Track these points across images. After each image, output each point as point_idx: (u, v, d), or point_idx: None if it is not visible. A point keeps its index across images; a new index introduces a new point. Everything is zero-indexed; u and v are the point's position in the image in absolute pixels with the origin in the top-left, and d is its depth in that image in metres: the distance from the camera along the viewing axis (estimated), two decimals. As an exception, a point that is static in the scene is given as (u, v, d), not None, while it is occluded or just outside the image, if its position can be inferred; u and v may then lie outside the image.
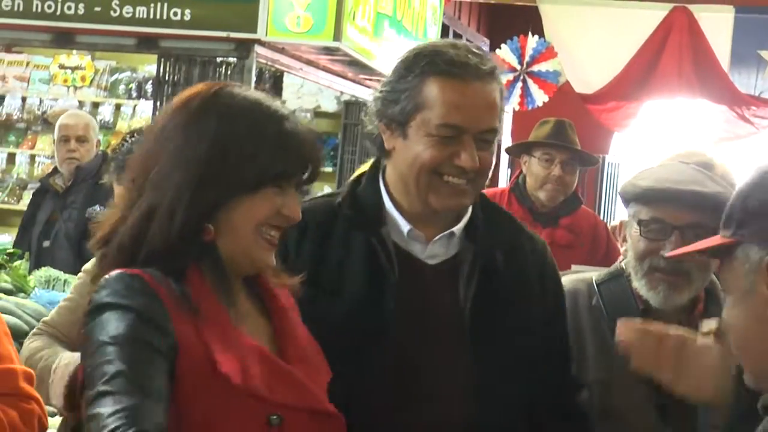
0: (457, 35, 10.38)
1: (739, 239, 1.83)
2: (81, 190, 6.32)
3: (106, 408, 1.88)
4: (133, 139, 4.37)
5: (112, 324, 1.97)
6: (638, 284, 2.81)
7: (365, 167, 3.77)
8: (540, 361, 2.59)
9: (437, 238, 2.60)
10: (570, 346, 2.75)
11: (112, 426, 1.86)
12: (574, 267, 3.68)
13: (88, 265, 3.20)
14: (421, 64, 2.52)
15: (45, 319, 3.27)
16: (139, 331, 1.97)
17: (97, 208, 5.81)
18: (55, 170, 6.65)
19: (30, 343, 3.11)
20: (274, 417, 2.03)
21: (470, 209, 2.65)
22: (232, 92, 2.16)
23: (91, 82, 9.89)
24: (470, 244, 2.61)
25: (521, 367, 2.55)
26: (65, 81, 9.97)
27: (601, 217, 8.29)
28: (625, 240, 2.90)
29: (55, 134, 6.60)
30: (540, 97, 9.80)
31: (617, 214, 10.87)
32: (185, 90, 2.21)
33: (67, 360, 2.83)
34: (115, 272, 2.03)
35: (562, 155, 5.35)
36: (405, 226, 2.60)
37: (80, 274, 3.42)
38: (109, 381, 1.92)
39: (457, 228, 2.62)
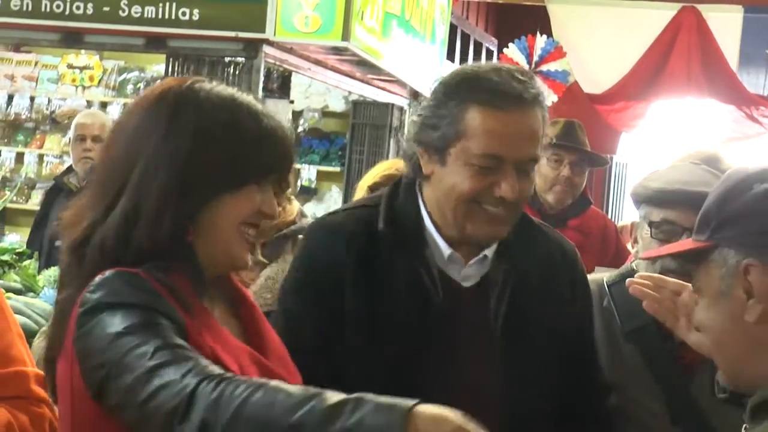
0: (465, 35, 10.41)
1: (716, 243, 1.85)
2: None
3: (172, 375, 1.82)
4: None
5: (117, 319, 1.91)
6: None
7: (388, 167, 3.67)
8: (571, 370, 2.58)
9: (472, 262, 2.57)
10: (598, 349, 2.75)
11: (194, 382, 1.81)
12: (597, 269, 3.69)
13: None
14: (463, 90, 2.48)
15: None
16: (152, 318, 1.92)
17: None
18: (70, 169, 6.63)
19: (40, 343, 3.09)
20: None
21: None
22: (204, 87, 2.11)
23: (100, 81, 9.90)
24: (501, 263, 2.58)
25: (551, 380, 2.54)
26: (73, 81, 9.98)
27: (610, 218, 8.28)
28: (636, 241, 2.90)
29: (71, 133, 6.59)
30: (549, 96, 9.67)
31: (625, 214, 10.86)
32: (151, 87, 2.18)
33: None
34: (109, 271, 1.98)
35: (571, 156, 5.33)
36: (446, 250, 2.56)
37: None
38: (154, 355, 1.85)
39: (490, 251, 2.58)
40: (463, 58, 10.48)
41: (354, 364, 2.43)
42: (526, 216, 2.70)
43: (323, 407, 1.76)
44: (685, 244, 1.95)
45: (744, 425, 1.88)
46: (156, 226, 2.01)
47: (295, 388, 1.82)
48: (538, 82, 2.52)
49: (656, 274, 2.44)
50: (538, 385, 2.52)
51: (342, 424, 1.73)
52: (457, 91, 2.48)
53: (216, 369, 1.85)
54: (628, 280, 2.43)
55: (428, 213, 2.57)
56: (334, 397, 1.78)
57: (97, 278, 1.98)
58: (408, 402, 1.78)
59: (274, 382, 1.83)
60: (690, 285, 2.36)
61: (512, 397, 2.49)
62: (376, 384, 2.19)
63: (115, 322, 1.91)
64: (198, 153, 2.04)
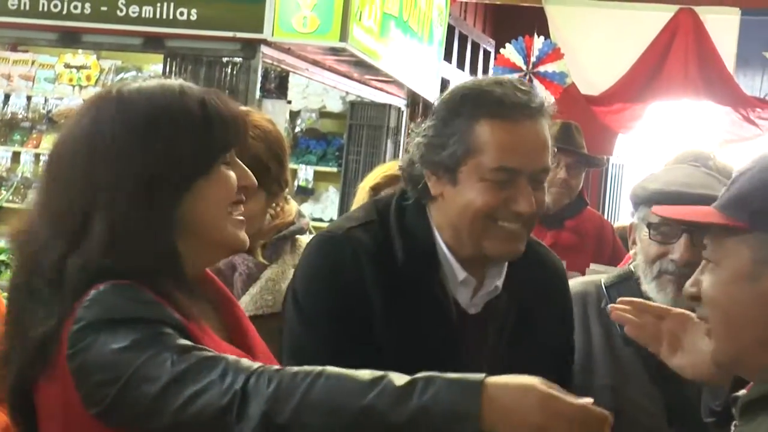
0: (462, 36, 10.43)
1: (754, 226, 1.84)
2: None
3: (208, 376, 1.77)
4: None
5: (120, 335, 1.84)
6: (648, 287, 2.81)
7: (390, 168, 3.69)
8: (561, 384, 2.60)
9: (483, 293, 2.52)
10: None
11: (241, 379, 1.77)
12: (593, 266, 3.69)
13: None
14: (468, 106, 2.44)
15: None
16: (157, 329, 1.86)
17: None
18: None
19: None
20: None
21: None
22: (132, 89, 2.03)
23: (97, 81, 9.87)
24: (503, 293, 2.55)
25: None
26: (70, 80, 9.96)
27: (606, 218, 8.30)
28: (634, 243, 2.90)
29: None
30: (546, 98, 9.65)
31: (621, 215, 10.89)
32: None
33: None
34: (103, 285, 1.90)
35: (567, 158, 5.34)
36: (461, 273, 2.51)
37: None
38: (177, 362, 1.79)
39: (500, 281, 2.55)
40: (461, 59, 10.51)
41: None
42: (532, 242, 2.66)
43: (393, 387, 1.74)
44: (711, 215, 1.92)
45: (734, 422, 1.89)
46: (141, 239, 1.94)
47: (359, 372, 1.78)
48: (538, 89, 2.57)
49: (637, 299, 2.45)
50: None
51: (417, 402, 1.72)
52: (462, 107, 2.44)
53: (253, 363, 1.82)
54: (609, 306, 2.44)
55: (439, 234, 2.51)
56: (401, 378, 1.75)
57: (92, 293, 1.90)
58: (478, 375, 1.76)
59: (331, 369, 1.79)
60: (674, 310, 2.39)
61: None
62: None
63: (118, 339, 1.84)
64: (148, 151, 1.97)
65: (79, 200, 1.97)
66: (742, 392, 1.90)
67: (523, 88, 2.47)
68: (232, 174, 2.05)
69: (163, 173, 1.97)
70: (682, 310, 2.36)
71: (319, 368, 1.78)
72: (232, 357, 1.83)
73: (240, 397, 1.75)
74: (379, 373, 1.77)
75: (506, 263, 2.56)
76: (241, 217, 2.08)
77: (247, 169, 2.10)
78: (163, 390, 1.79)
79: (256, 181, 2.12)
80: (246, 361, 1.83)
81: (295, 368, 1.80)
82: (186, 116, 2.00)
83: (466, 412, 1.73)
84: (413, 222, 2.54)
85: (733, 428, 1.89)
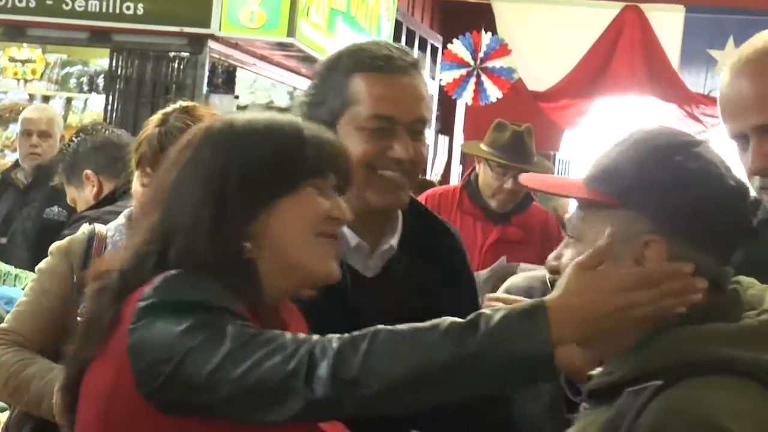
0: (410, 32, 10.46)
1: (623, 203, 1.80)
2: (42, 189, 6.08)
3: (269, 346, 1.77)
4: (79, 138, 4.26)
5: (182, 317, 1.84)
6: None
7: None
8: None
9: (378, 252, 2.56)
10: None
11: (306, 345, 1.77)
12: (522, 265, 3.73)
13: (43, 265, 3.14)
14: (345, 62, 2.51)
15: (3, 326, 3.11)
16: (219, 314, 1.85)
17: (55, 209, 5.70)
18: (17, 164, 6.53)
19: (2, 357, 3.01)
20: None
21: (400, 216, 2.61)
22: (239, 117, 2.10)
23: (42, 75, 9.81)
24: (404, 254, 2.58)
25: None
26: (15, 74, 9.88)
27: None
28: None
29: (17, 127, 6.50)
30: (494, 92, 9.82)
31: (569, 210, 10.96)
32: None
33: None
34: (174, 271, 1.91)
35: (515, 172, 5.38)
36: (353, 239, 2.54)
37: (35, 275, 3.27)
38: (237, 338, 1.79)
39: (395, 240, 2.58)
40: None
41: None
42: (430, 213, 2.73)
43: (454, 323, 1.75)
44: (576, 188, 1.89)
45: (583, 405, 1.89)
46: (212, 242, 1.93)
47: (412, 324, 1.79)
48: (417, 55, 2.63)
49: (504, 295, 2.51)
50: None
51: (484, 329, 1.72)
52: (339, 64, 2.51)
53: (311, 336, 1.81)
54: (485, 297, 2.48)
55: None
56: (454, 321, 1.76)
57: (161, 276, 1.91)
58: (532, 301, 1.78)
59: (383, 327, 1.79)
60: None
61: None
62: None
63: (180, 321, 1.83)
64: (234, 160, 1.98)
65: (167, 210, 1.99)
66: (597, 371, 1.87)
67: (398, 47, 2.54)
68: (322, 200, 2.00)
69: (239, 185, 1.97)
70: None
71: (372, 328, 1.79)
72: (290, 333, 1.82)
73: (307, 360, 1.75)
74: (431, 322, 1.79)
75: (399, 225, 2.59)
76: (333, 249, 2.03)
77: (343, 204, 2.06)
78: (222, 362, 1.78)
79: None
80: (304, 335, 1.82)
81: (347, 335, 1.80)
82: (279, 131, 2.01)
83: (532, 328, 1.73)
84: None
85: (581, 410, 1.89)
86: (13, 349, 3.00)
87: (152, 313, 1.86)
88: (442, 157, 11.99)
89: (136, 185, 3.10)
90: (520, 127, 5.60)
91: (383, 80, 2.47)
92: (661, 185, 1.78)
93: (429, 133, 11.69)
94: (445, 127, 11.82)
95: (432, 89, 11.02)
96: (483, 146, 5.65)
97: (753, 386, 1.68)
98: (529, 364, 1.72)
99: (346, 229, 2.47)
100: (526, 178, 2.05)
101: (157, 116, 3.07)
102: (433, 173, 11.42)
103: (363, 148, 2.45)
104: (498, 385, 1.79)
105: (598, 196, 1.83)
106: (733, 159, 1.99)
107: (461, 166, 11.65)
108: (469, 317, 1.77)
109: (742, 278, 1.83)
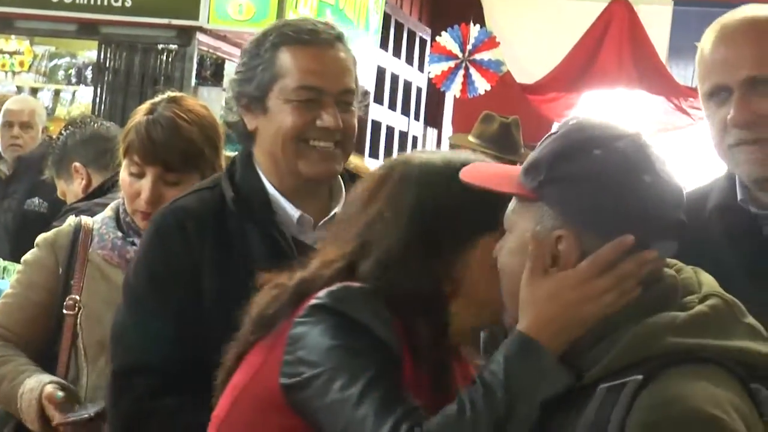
0: (398, 24, 10.48)
1: (539, 197, 1.82)
2: (23, 180, 6.15)
3: (375, 409, 1.81)
4: (68, 131, 4.22)
5: (342, 331, 1.89)
6: None
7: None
8: None
9: (321, 223, 2.59)
10: None
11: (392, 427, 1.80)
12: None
13: (29, 256, 3.13)
14: (271, 37, 2.57)
15: None
16: (374, 344, 1.89)
17: (36, 200, 5.73)
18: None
19: None
20: None
21: (343, 187, 2.65)
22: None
23: (30, 67, 9.79)
24: None
25: None
26: (3, 66, 9.85)
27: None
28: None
29: (-1, 119, 6.50)
30: (482, 85, 9.79)
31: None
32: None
33: (32, 386, 2.83)
34: (358, 284, 1.96)
35: (503, 162, 5.37)
36: (294, 212, 2.58)
37: (20, 267, 3.23)
38: (367, 385, 1.82)
39: (338, 209, 2.58)
40: (397, 48, 10.52)
41: (217, 346, 2.32)
42: (360, 176, 2.66)
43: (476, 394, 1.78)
44: (510, 184, 1.88)
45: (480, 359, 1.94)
46: (410, 273, 1.97)
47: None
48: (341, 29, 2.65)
49: None
50: None
51: (502, 392, 1.75)
52: (266, 39, 2.57)
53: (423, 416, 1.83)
54: None
55: (268, 180, 2.60)
56: (466, 398, 1.79)
57: (344, 284, 1.95)
58: (512, 337, 1.80)
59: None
60: None
61: None
62: (234, 330, 2.20)
63: (338, 334, 1.89)
64: (441, 198, 2.01)
65: (364, 243, 2.02)
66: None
67: (324, 22, 2.64)
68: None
69: (454, 222, 2.00)
70: None
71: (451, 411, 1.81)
72: (413, 402, 1.84)
73: None
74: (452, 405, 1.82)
75: (343, 194, 2.60)
76: None
77: None
78: (339, 402, 1.83)
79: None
80: (421, 415, 1.83)
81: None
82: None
83: (540, 366, 1.77)
84: (242, 173, 2.61)
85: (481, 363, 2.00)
86: None
87: (319, 314, 1.92)
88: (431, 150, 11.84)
89: (123, 175, 3.06)
90: (507, 119, 5.64)
91: (309, 53, 2.54)
92: (569, 179, 1.78)
93: (417, 126, 11.30)
94: (434, 120, 11.72)
95: (420, 82, 11.09)
96: (471, 138, 5.68)
97: (720, 372, 1.71)
98: (558, 394, 1.76)
99: (284, 202, 2.58)
100: (466, 173, 2.01)
101: (146, 106, 3.05)
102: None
103: (292, 119, 2.51)
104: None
105: (522, 191, 1.85)
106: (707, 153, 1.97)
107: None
108: (475, 383, 1.80)
109: (669, 261, 1.84)
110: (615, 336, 1.75)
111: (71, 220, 3.18)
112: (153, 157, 2.96)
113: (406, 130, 11.25)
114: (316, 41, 2.56)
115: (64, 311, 3.03)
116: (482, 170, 2.03)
